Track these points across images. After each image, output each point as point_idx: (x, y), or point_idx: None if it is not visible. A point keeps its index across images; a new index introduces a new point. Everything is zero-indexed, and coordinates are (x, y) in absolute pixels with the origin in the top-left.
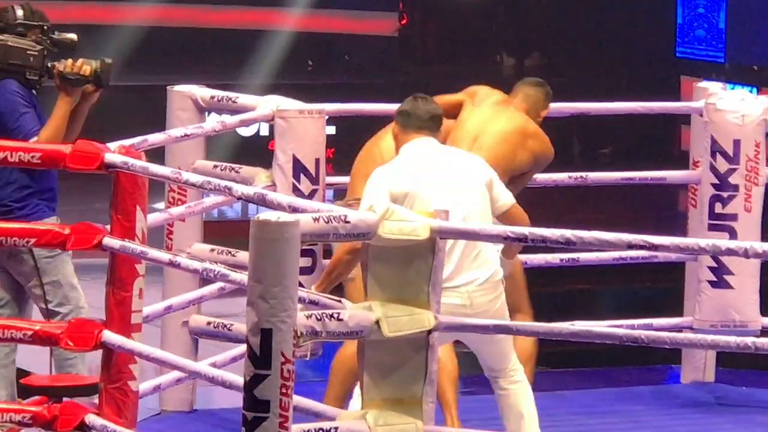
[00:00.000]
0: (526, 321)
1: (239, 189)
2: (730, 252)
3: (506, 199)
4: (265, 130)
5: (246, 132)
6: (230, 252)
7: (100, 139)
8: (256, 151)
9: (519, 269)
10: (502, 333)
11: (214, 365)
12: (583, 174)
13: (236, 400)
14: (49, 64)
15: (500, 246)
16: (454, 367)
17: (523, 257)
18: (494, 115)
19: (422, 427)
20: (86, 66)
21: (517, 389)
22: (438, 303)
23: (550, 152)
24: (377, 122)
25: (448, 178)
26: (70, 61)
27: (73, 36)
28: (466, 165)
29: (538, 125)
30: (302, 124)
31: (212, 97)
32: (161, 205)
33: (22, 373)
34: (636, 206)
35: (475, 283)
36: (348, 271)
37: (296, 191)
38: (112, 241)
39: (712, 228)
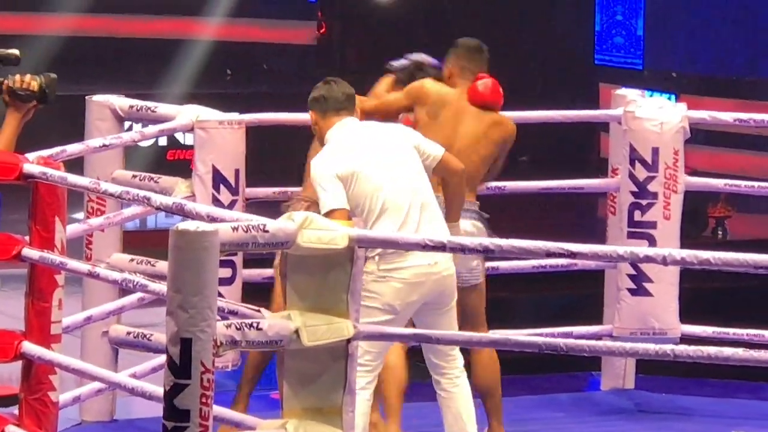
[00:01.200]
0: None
1: (158, 199)
2: (649, 259)
3: (434, 151)
4: (163, 141)
5: (144, 142)
6: (150, 262)
7: (19, 150)
8: (155, 160)
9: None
10: (422, 341)
11: (134, 375)
12: (501, 184)
13: (156, 410)
14: None
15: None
16: (403, 374)
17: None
18: (457, 126)
19: None
20: (33, 81)
21: (458, 392)
22: (357, 312)
23: (511, 132)
24: (286, 131)
25: (381, 152)
26: (18, 76)
27: (16, 51)
28: (391, 136)
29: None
30: (222, 134)
31: (131, 107)
32: (80, 215)
33: None
34: (555, 213)
35: None
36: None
37: (216, 202)
38: (31, 252)
39: (631, 236)
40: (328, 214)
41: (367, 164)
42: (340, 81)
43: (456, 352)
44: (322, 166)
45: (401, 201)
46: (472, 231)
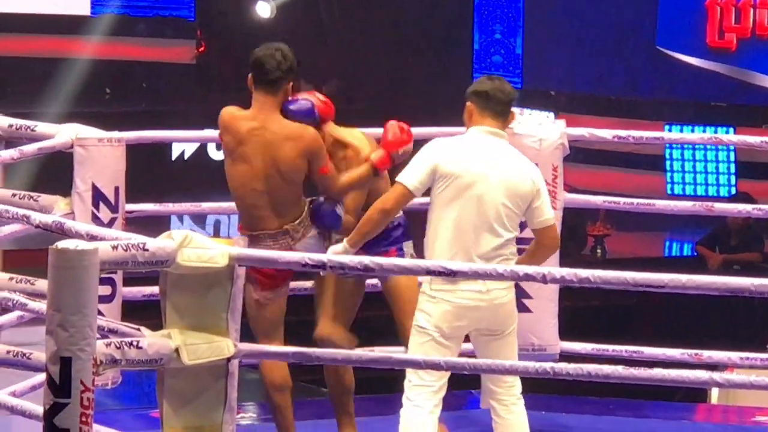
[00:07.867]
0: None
1: (37, 217)
2: (529, 277)
3: (547, 216)
4: None
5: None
6: (29, 280)
7: None
8: None
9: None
10: (300, 360)
11: (13, 394)
12: None
13: (36, 428)
14: None
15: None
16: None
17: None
18: None
19: None
20: None
21: (513, 419)
22: (237, 331)
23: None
24: (161, 148)
25: (494, 175)
26: None
27: None
28: (517, 168)
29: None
30: (101, 152)
31: (10, 126)
32: None
33: None
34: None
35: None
36: (377, 230)
37: (96, 219)
38: None
39: None
40: (394, 184)
41: (470, 176)
42: (504, 81)
43: (514, 379)
44: (433, 150)
45: (469, 229)
46: None
